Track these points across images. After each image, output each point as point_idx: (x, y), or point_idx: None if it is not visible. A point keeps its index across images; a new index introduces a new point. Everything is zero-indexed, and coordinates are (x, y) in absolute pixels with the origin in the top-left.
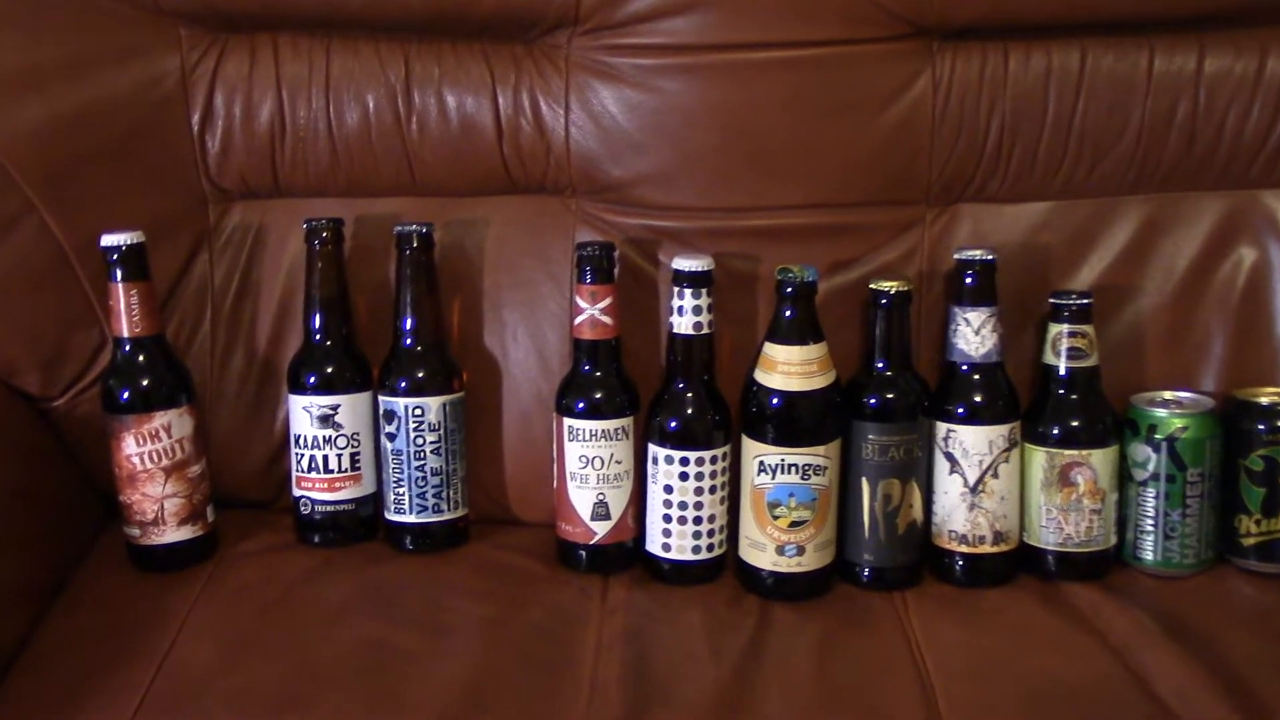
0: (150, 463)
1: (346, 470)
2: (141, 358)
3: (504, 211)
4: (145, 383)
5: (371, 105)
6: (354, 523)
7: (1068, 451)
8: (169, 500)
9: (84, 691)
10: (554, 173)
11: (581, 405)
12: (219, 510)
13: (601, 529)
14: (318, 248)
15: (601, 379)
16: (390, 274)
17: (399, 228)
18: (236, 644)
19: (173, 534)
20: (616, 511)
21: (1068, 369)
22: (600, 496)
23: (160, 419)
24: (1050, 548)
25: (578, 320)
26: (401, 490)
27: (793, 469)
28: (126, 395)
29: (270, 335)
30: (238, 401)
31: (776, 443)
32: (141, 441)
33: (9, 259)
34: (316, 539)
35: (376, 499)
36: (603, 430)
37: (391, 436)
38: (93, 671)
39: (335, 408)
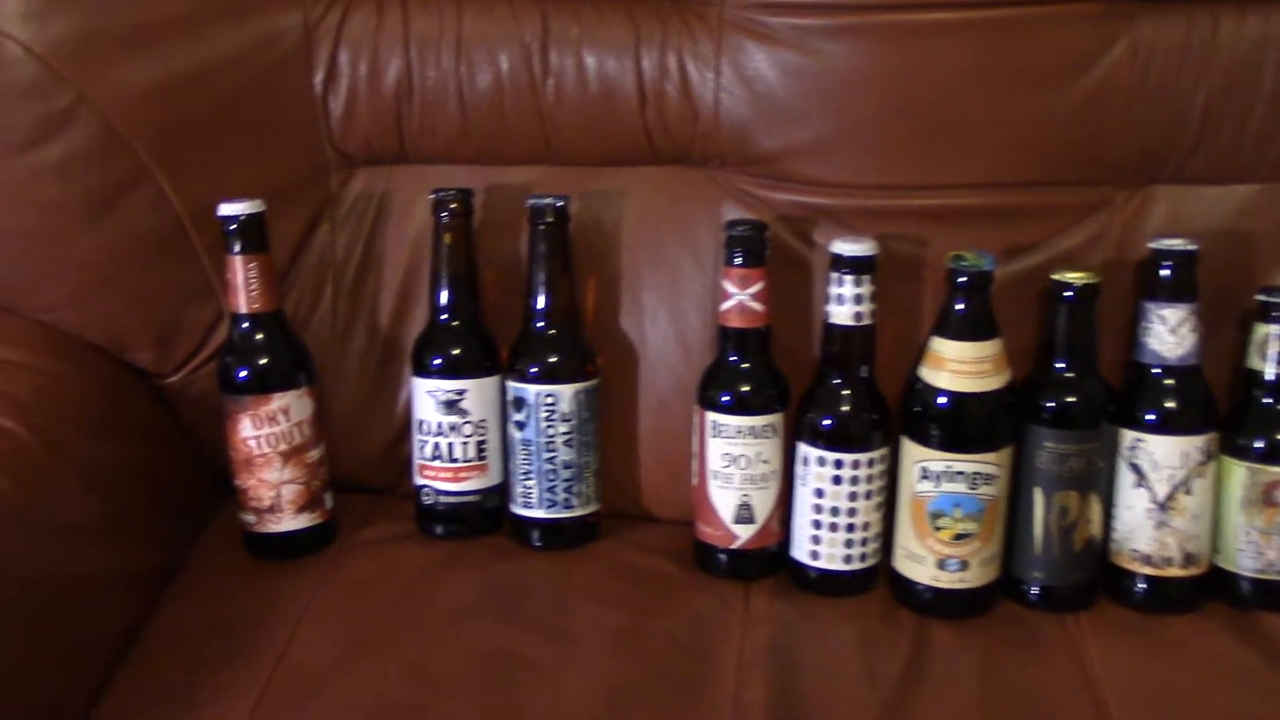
0: (268, 447)
1: (472, 459)
2: (259, 336)
3: (645, 183)
4: (263, 363)
5: (505, 66)
6: (478, 515)
7: (1273, 468)
8: (286, 486)
9: (197, 688)
10: (700, 142)
11: (727, 398)
12: (335, 494)
13: (744, 533)
14: (445, 220)
15: (750, 371)
16: (521, 249)
17: (532, 200)
18: (355, 643)
19: (290, 522)
20: (761, 515)
21: (1277, 375)
22: (744, 498)
23: (279, 401)
24: (1246, 573)
25: (725, 306)
26: (530, 483)
27: (959, 477)
28: (244, 375)
29: (393, 311)
30: (358, 381)
31: (942, 447)
32: (259, 424)
33: (122, 227)
34: (439, 530)
35: (502, 490)
36: (750, 427)
37: (520, 425)
38: (206, 666)
39: (461, 393)
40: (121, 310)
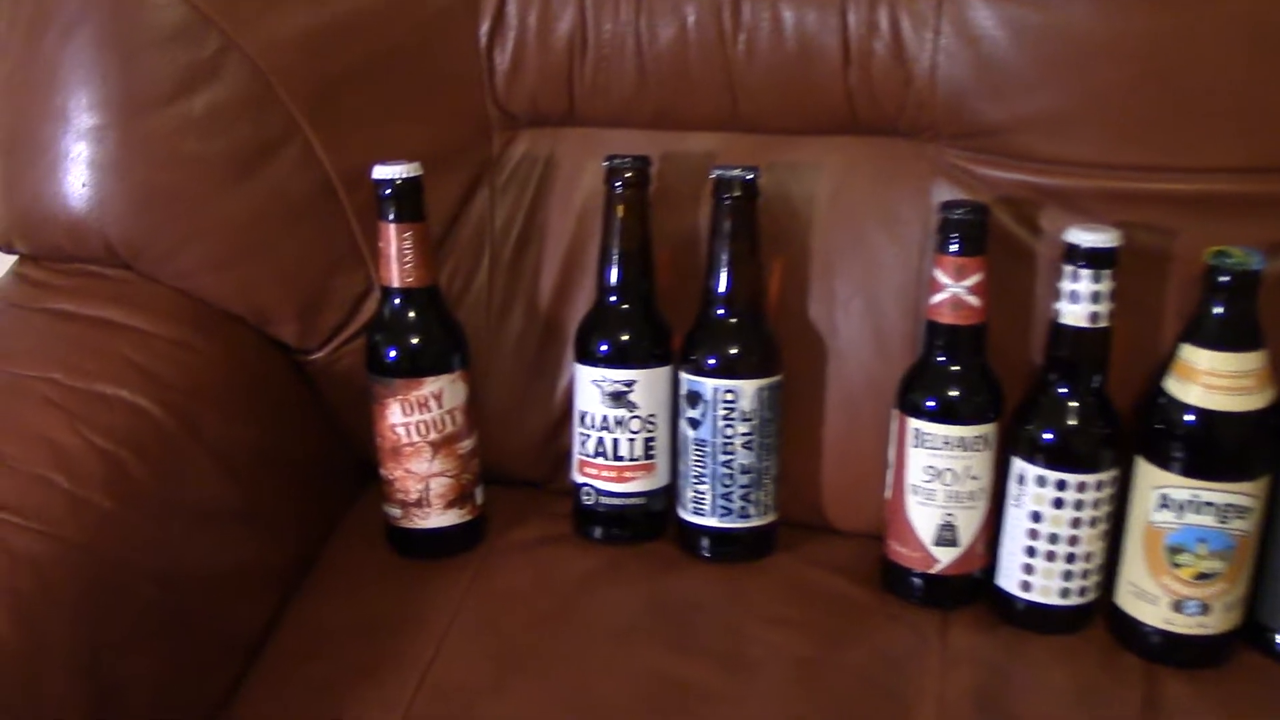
0: (417, 435)
1: (639, 458)
2: (412, 313)
3: (842, 155)
4: (415, 343)
5: (691, 19)
6: (643, 518)
7: None
8: (435, 480)
9: (336, 701)
10: (911, 110)
11: (933, 404)
12: (485, 488)
13: (945, 556)
14: (619, 191)
15: (960, 373)
16: (700, 225)
17: (718, 171)
18: (507, 661)
19: (438, 518)
20: (966, 537)
21: None
22: (947, 517)
23: (430, 386)
24: None
25: (936, 299)
26: (703, 488)
27: (1208, 509)
28: (393, 355)
29: (555, 289)
30: (515, 365)
31: (1188, 473)
32: (408, 410)
33: (269, 187)
34: (597, 533)
35: (669, 492)
36: (959, 437)
37: (694, 423)
38: (346, 677)
39: (630, 384)
40: (264, 278)
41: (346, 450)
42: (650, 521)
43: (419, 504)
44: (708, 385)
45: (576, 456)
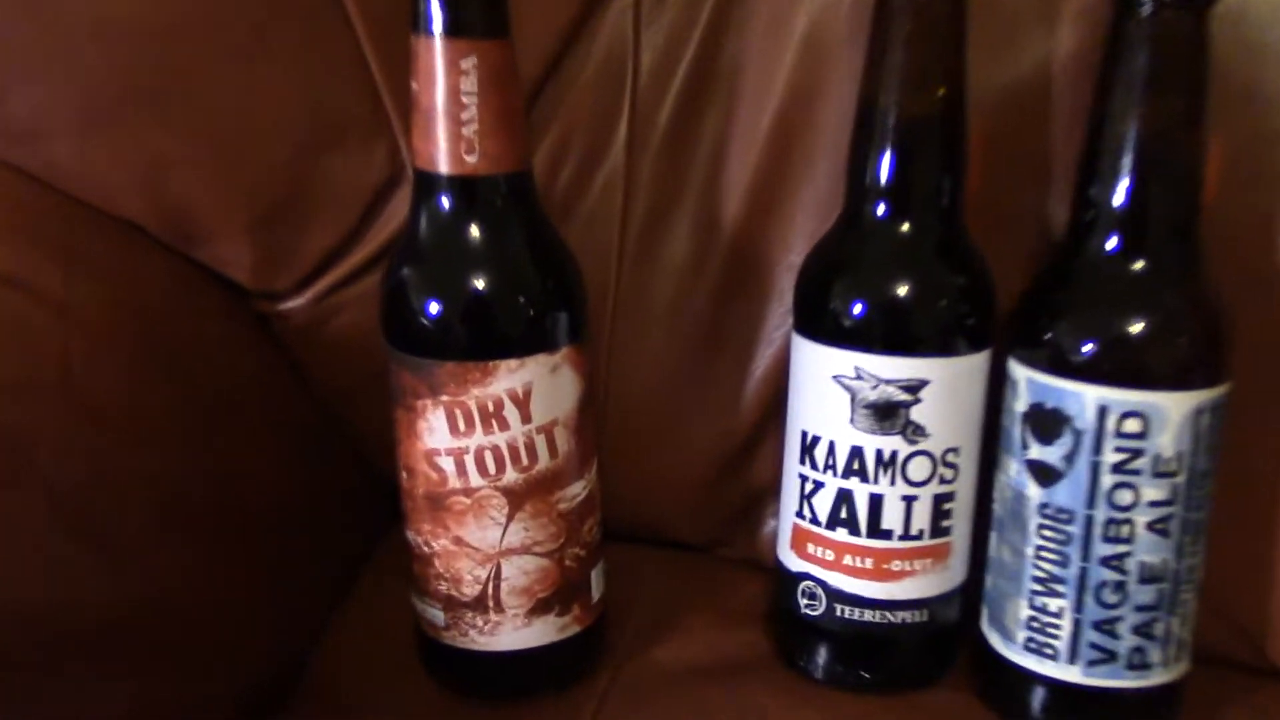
0: (479, 474)
1: (920, 533)
2: (476, 228)
3: None
4: (481, 288)
5: None
6: (917, 643)
7: None
8: (512, 560)
9: None
10: None
11: None
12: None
13: None
14: (908, 5)
15: None
16: (1055, 72)
17: None
18: None
19: (515, 632)
20: None
21: None
22: None
23: (509, 378)
24: None
25: None
26: (1056, 604)
27: None
28: (437, 312)
29: (751, 188)
30: (669, 336)
31: None
32: (463, 425)
33: None
34: (824, 666)
35: (967, 594)
36: None
37: (1047, 472)
38: None
39: (916, 387)
40: (187, 151)
41: (350, 475)
42: (930, 652)
43: (481, 605)
44: (1085, 397)
45: (788, 519)
